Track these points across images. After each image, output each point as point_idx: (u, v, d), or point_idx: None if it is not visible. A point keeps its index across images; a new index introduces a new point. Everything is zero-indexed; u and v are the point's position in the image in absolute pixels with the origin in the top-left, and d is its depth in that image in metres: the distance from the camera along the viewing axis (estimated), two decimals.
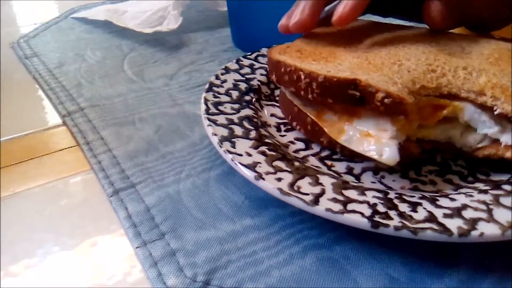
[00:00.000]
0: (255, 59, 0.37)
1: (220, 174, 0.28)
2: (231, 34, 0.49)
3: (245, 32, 0.46)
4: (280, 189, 0.22)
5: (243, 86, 0.33)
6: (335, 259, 0.22)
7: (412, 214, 0.21)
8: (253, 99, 0.32)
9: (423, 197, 0.22)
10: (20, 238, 0.24)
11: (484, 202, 0.22)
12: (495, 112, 0.24)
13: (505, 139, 0.25)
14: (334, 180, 0.23)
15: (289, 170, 0.24)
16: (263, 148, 0.26)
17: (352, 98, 0.24)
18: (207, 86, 0.32)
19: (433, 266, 0.22)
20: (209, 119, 0.28)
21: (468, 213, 0.21)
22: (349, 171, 0.26)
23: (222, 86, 0.32)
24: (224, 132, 0.27)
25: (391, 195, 0.22)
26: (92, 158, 0.30)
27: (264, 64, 0.36)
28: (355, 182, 0.24)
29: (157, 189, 0.27)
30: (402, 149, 0.23)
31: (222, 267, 0.21)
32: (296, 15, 0.29)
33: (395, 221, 0.20)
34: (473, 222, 0.20)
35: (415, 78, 0.25)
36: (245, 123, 0.28)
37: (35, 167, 0.30)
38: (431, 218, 0.20)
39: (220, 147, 0.25)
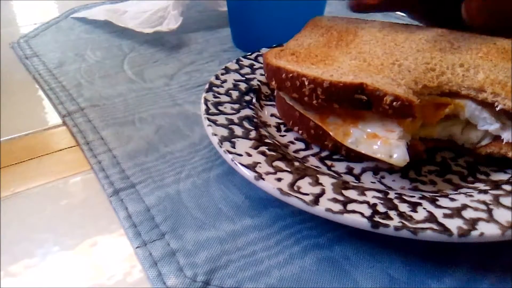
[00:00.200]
0: (255, 59, 0.37)
1: (220, 174, 0.28)
2: (231, 34, 0.49)
3: (245, 32, 0.46)
4: (280, 189, 0.22)
5: (243, 86, 0.33)
6: (335, 259, 0.22)
7: (412, 214, 0.21)
8: (253, 99, 0.32)
9: (423, 197, 0.22)
10: (20, 238, 0.24)
11: (484, 202, 0.22)
12: (497, 109, 0.25)
13: (506, 136, 0.25)
14: (334, 180, 0.23)
15: (289, 170, 0.24)
16: (263, 148, 0.26)
17: (359, 102, 0.24)
18: (207, 86, 0.32)
19: (433, 266, 0.22)
20: (209, 119, 0.28)
21: (468, 213, 0.21)
22: (349, 171, 0.26)
23: (222, 86, 0.32)
24: (224, 132, 0.27)
25: (391, 195, 0.22)
26: (92, 158, 0.30)
27: None
28: (355, 182, 0.24)
29: (157, 189, 0.27)
30: (410, 149, 0.23)
31: (222, 267, 0.21)
32: None
33: (395, 221, 0.20)
34: (473, 222, 0.20)
35: (417, 78, 0.25)
36: (245, 123, 0.28)
37: (35, 167, 0.30)
38: (431, 218, 0.20)
39: (220, 147, 0.25)
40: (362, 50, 0.29)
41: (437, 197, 0.22)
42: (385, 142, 0.24)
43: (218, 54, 0.47)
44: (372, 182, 0.25)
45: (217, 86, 0.32)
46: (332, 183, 0.23)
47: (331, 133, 0.26)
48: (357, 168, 0.26)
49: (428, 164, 0.27)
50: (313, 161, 0.27)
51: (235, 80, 0.34)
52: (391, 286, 0.21)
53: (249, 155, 0.25)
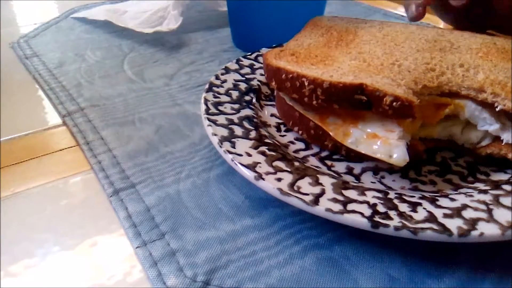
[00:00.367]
0: (255, 59, 0.37)
1: (220, 174, 0.28)
2: (231, 34, 0.49)
3: (245, 32, 0.46)
4: (280, 189, 0.22)
5: (243, 86, 0.33)
6: (335, 259, 0.22)
7: (412, 214, 0.21)
8: (253, 99, 0.32)
9: (423, 197, 0.22)
10: (20, 238, 0.24)
11: (484, 202, 0.22)
12: (497, 109, 0.25)
13: (506, 137, 0.25)
14: (334, 180, 0.23)
15: (289, 170, 0.24)
16: (263, 148, 0.26)
17: (359, 103, 0.24)
18: (207, 86, 0.32)
19: (433, 266, 0.22)
20: (209, 119, 0.28)
21: (468, 213, 0.21)
22: (349, 171, 0.26)
23: (222, 86, 0.32)
24: (224, 132, 0.27)
25: (391, 195, 0.22)
26: (92, 158, 0.30)
27: None
28: (355, 182, 0.24)
29: (157, 189, 0.27)
30: (410, 149, 0.23)
31: (222, 267, 0.21)
32: None
33: (395, 221, 0.20)
34: (473, 222, 0.20)
35: (417, 78, 0.25)
36: (245, 123, 0.28)
37: (35, 167, 0.30)
38: (431, 218, 0.20)
39: (220, 147, 0.25)
40: (362, 50, 0.29)
41: (437, 197, 0.22)
42: (385, 142, 0.24)
43: (218, 54, 0.47)
44: (372, 182, 0.25)
45: (217, 86, 0.32)
46: (332, 183, 0.23)
47: (331, 133, 0.26)
48: (357, 168, 0.26)
49: (428, 164, 0.27)
50: (313, 161, 0.27)
51: (235, 80, 0.34)
52: (391, 286, 0.21)
53: (249, 155, 0.25)
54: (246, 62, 0.37)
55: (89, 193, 0.27)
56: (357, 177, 0.26)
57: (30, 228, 0.24)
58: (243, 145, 0.26)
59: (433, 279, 0.21)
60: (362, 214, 0.20)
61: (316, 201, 0.21)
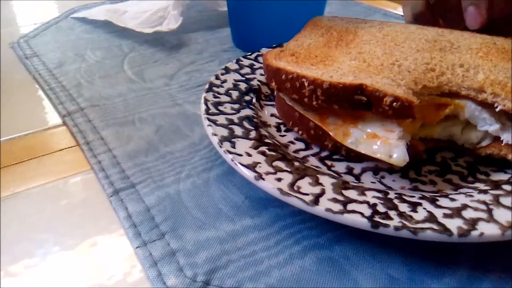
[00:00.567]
0: (255, 59, 0.37)
1: (220, 174, 0.28)
2: (231, 34, 0.49)
3: (245, 32, 0.46)
4: (280, 189, 0.22)
5: (243, 86, 0.33)
6: (335, 259, 0.22)
7: (412, 214, 0.21)
8: (253, 99, 0.32)
9: (423, 197, 0.22)
10: (20, 238, 0.24)
11: (484, 202, 0.22)
12: (497, 109, 0.25)
13: (506, 137, 0.25)
14: (334, 180, 0.23)
15: (289, 170, 0.24)
16: (263, 148, 0.26)
17: (359, 103, 0.24)
18: (207, 86, 0.32)
19: (433, 266, 0.22)
20: (209, 119, 0.28)
21: (468, 213, 0.21)
22: (349, 171, 0.26)
23: (222, 86, 0.32)
24: (224, 132, 0.27)
25: (391, 195, 0.22)
26: (92, 158, 0.30)
27: None
28: (355, 182, 0.24)
29: (157, 189, 0.27)
30: (410, 149, 0.23)
31: (222, 267, 0.21)
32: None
33: (395, 221, 0.20)
34: (473, 222, 0.20)
35: (417, 79, 0.25)
36: (245, 123, 0.28)
37: (35, 167, 0.30)
38: (431, 218, 0.20)
39: (220, 147, 0.25)
40: (362, 50, 0.29)
41: (437, 197, 0.22)
42: (385, 142, 0.24)
43: (218, 54, 0.47)
44: (372, 182, 0.25)
45: (217, 86, 0.32)
46: (332, 183, 0.23)
47: (331, 134, 0.26)
48: (357, 168, 0.26)
49: (428, 164, 0.27)
50: (313, 161, 0.27)
51: (235, 80, 0.34)
52: (391, 286, 0.21)
53: (249, 155, 0.25)
54: (246, 62, 0.37)
55: (89, 193, 0.27)
56: (357, 177, 0.26)
57: (30, 228, 0.24)
58: (243, 145, 0.26)
59: (433, 279, 0.21)
60: (362, 214, 0.20)
61: (316, 201, 0.21)
